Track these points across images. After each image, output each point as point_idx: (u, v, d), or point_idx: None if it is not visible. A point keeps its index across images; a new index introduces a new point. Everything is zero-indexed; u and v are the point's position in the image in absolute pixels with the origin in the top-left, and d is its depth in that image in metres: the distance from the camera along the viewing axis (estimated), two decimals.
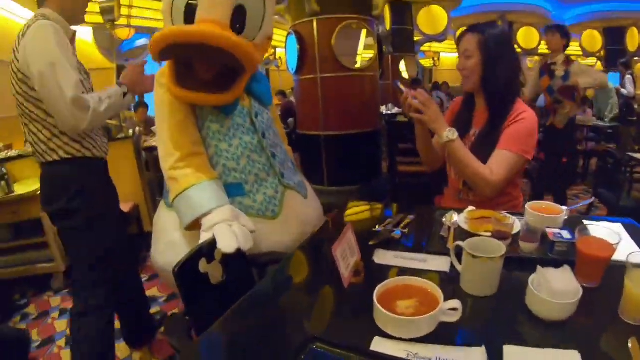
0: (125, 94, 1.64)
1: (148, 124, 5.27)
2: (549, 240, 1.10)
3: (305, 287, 1.13)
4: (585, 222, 1.28)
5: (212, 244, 1.21)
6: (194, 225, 1.31)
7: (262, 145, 1.48)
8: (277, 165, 1.53)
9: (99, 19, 5.00)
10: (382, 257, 1.14)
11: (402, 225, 1.32)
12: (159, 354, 2.13)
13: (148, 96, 7.98)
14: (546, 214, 1.24)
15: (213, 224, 1.24)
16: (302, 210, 1.59)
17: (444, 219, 1.32)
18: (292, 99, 6.71)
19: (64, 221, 1.61)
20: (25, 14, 4.90)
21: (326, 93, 3.83)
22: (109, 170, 1.89)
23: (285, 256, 1.24)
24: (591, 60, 13.09)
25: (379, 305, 0.77)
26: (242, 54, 1.25)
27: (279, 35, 6.14)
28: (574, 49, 13.92)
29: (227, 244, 1.19)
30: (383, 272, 1.07)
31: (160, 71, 1.42)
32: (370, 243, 1.20)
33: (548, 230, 1.13)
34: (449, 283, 0.98)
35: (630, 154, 2.92)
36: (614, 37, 11.37)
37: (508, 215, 1.26)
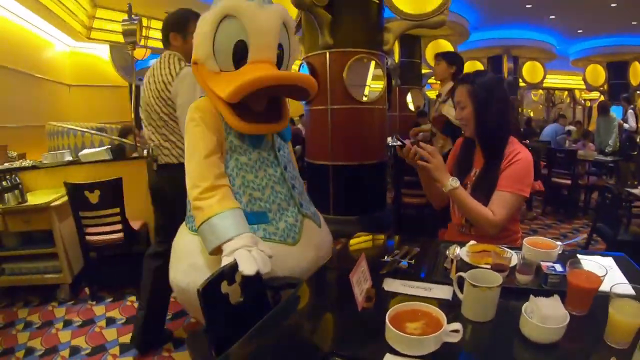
0: None
1: None
2: (543, 272, 1.20)
3: (321, 310, 1.24)
4: (579, 256, 1.38)
5: (233, 267, 1.31)
6: (217, 251, 1.42)
7: (284, 177, 1.63)
8: (296, 196, 1.66)
9: (117, 38, 5.18)
10: (391, 285, 1.25)
11: (409, 256, 1.44)
12: None
13: None
14: (542, 249, 1.35)
15: (234, 249, 1.35)
16: (317, 238, 1.71)
17: (447, 252, 1.43)
18: (300, 126, 6.85)
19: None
20: (25, 14, 5.12)
21: (336, 124, 3.97)
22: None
23: (299, 281, 1.37)
24: (595, 94, 13.29)
25: (390, 326, 0.89)
26: (314, 90, 1.55)
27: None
28: (578, 83, 14.17)
29: (247, 267, 1.29)
30: (392, 298, 1.18)
31: (194, 106, 1.55)
32: (381, 272, 1.32)
33: (542, 263, 1.23)
34: (451, 309, 1.08)
35: (628, 189, 3.00)
36: (617, 71, 11.57)
37: (506, 249, 1.36)
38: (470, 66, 11.59)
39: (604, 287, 1.04)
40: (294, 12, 4.03)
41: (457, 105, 1.76)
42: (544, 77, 12.34)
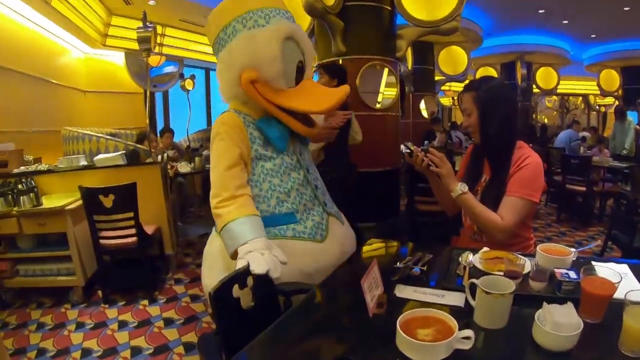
0: None
1: (176, 149, 5.48)
2: (556, 279, 1.19)
3: (332, 315, 1.24)
4: (594, 263, 1.36)
5: (245, 271, 1.33)
6: (235, 255, 1.46)
7: (307, 179, 1.71)
8: (320, 196, 1.75)
9: (132, 45, 5.26)
10: (403, 291, 1.25)
11: (421, 263, 1.43)
12: None
13: (174, 123, 8.34)
14: (556, 256, 1.34)
15: (247, 252, 1.40)
16: (342, 234, 1.80)
17: (460, 258, 1.43)
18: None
19: None
20: (42, 21, 5.21)
21: None
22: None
23: (311, 286, 1.37)
24: (609, 100, 13.11)
25: (401, 332, 0.89)
26: None
27: None
28: (592, 88, 14.01)
29: (257, 267, 1.34)
30: (403, 304, 1.18)
31: (220, 121, 1.63)
32: (393, 278, 1.32)
33: (556, 270, 1.23)
34: (464, 316, 1.07)
35: None
36: (632, 76, 11.41)
37: (520, 256, 1.35)
38: (483, 72, 11.57)
39: (619, 294, 1.03)
40: (307, 19, 4.05)
41: (463, 112, 1.77)
42: (558, 83, 12.21)
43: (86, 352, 2.46)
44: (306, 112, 1.67)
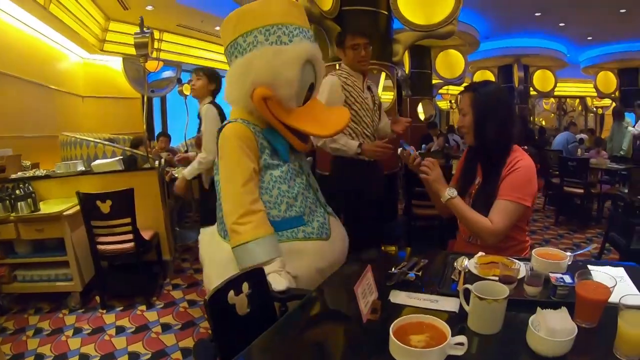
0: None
1: (171, 153, 5.47)
2: (552, 284, 1.19)
3: (326, 321, 1.24)
4: (590, 266, 1.36)
5: (240, 278, 1.33)
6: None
7: (309, 183, 1.79)
8: (321, 198, 1.85)
9: (129, 50, 5.27)
10: (397, 297, 1.25)
11: (416, 268, 1.42)
12: None
13: (172, 128, 8.34)
14: (551, 260, 1.34)
15: (267, 273, 1.45)
16: (342, 232, 1.89)
17: (455, 263, 1.42)
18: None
19: None
20: (39, 26, 5.22)
21: None
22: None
23: (307, 292, 1.37)
24: (606, 102, 13.12)
25: (394, 338, 0.89)
26: None
27: None
28: (589, 90, 14.05)
29: (277, 285, 1.42)
30: (398, 310, 1.17)
31: (232, 134, 1.64)
32: (388, 284, 1.31)
33: (551, 275, 1.22)
34: (458, 322, 1.08)
35: None
36: (629, 77, 11.46)
37: (515, 260, 1.35)
38: (480, 76, 11.60)
39: (614, 298, 1.02)
40: None
41: (459, 112, 1.78)
42: (555, 85, 12.25)
43: (84, 357, 2.45)
44: (314, 134, 1.85)
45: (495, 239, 1.63)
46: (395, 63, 4.28)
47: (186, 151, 6.33)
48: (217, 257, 1.74)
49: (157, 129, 8.16)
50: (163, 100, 8.82)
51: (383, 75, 4.19)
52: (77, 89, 6.69)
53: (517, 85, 11.27)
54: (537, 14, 8.32)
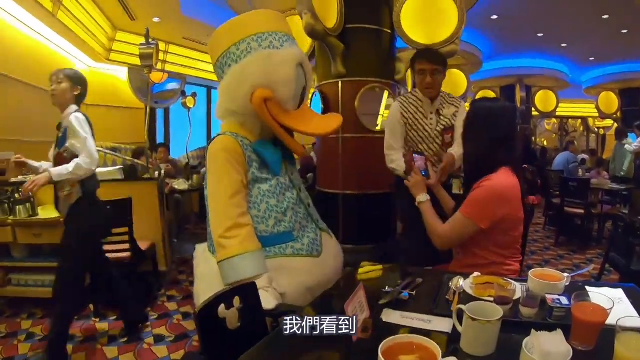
0: None
1: (171, 165, 5.46)
2: (548, 305, 1.17)
3: (316, 339, 1.22)
4: (588, 288, 1.34)
5: (232, 292, 1.31)
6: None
7: (300, 198, 1.77)
8: (313, 213, 1.81)
9: (135, 61, 5.32)
10: (390, 316, 1.23)
11: (411, 287, 1.40)
12: None
13: (174, 140, 8.34)
14: (548, 281, 1.32)
15: None
16: (335, 248, 1.87)
17: (450, 283, 1.40)
18: (312, 154, 6.90)
19: None
20: (47, 33, 5.26)
21: (347, 153, 3.95)
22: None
23: (300, 309, 1.35)
24: (608, 122, 13.11)
25: (383, 359, 0.87)
26: None
27: None
28: (591, 110, 14.07)
29: (266, 303, 1.39)
30: (390, 330, 1.16)
31: (220, 147, 1.64)
32: (380, 302, 1.29)
33: (548, 296, 1.21)
34: (451, 343, 1.06)
35: None
36: (630, 98, 11.43)
37: (511, 281, 1.33)
38: (482, 95, 11.63)
39: (612, 320, 1.00)
40: (307, 41, 4.08)
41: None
42: (557, 106, 12.24)
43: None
44: (312, 134, 1.88)
45: (439, 243, 1.72)
46: (397, 81, 4.29)
47: (187, 163, 6.35)
48: (205, 272, 1.73)
49: (160, 140, 8.18)
50: (167, 112, 8.86)
51: (386, 93, 4.20)
52: None
53: (519, 106, 11.28)
54: (539, 35, 8.39)
